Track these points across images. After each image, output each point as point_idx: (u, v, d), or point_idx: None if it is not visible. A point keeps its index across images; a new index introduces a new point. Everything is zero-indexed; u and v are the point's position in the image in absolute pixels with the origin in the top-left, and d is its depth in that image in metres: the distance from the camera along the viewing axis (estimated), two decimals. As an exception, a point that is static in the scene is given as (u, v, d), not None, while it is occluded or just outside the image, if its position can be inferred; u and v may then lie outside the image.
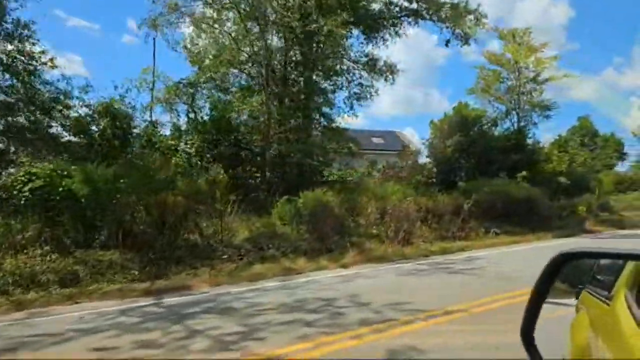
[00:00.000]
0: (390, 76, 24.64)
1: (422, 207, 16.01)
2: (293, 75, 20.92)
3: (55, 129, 15.89)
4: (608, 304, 1.80)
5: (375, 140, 40.93)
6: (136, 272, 9.91)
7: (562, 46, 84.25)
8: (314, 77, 23.77)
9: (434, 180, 25.32)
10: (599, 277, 2.18)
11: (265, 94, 18.19)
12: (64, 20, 54.55)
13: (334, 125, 23.75)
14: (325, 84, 24.11)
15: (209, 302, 7.51)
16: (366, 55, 23.58)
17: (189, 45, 20.10)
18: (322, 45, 21.13)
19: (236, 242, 12.41)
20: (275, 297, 7.68)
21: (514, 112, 29.63)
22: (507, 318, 5.82)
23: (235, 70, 19.95)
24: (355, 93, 24.58)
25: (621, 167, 40.27)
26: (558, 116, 38.52)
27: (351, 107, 24.78)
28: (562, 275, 1.96)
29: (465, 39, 20.61)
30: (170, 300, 7.79)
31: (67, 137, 15.99)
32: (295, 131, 20.80)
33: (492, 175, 26.52)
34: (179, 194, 11.55)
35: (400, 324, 5.80)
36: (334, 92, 24.21)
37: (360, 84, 24.53)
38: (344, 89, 24.25)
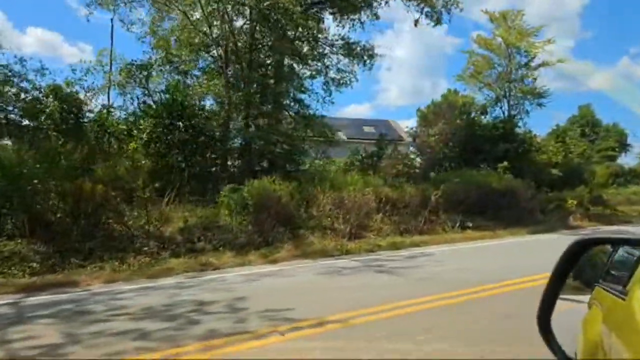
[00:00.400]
0: (368, 61, 23.56)
1: (382, 199, 14.91)
2: (260, 59, 19.85)
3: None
4: (623, 299, 1.69)
5: (366, 129, 39.71)
6: (36, 265, 9.06)
7: (576, 35, 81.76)
8: (287, 61, 22.77)
9: (417, 170, 24.23)
10: (612, 272, 2.08)
11: (225, 77, 17.15)
12: (75, 10, 54.49)
13: (309, 112, 22.78)
14: (302, 70, 23.09)
15: (73, 302, 6.59)
16: (342, 39, 22.44)
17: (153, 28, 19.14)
18: (287, 27, 20.02)
19: (167, 233, 11.50)
20: (152, 299, 6.72)
21: (504, 100, 28.25)
22: (369, 335, 4.92)
23: (202, 53, 18.90)
24: (333, 79, 23.65)
25: (624, 159, 38.59)
26: (570, 106, 36.92)
27: (330, 94, 23.91)
28: (575, 271, 1.92)
29: (437, 19, 19.26)
30: (35, 298, 6.89)
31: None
32: (264, 117, 19.81)
33: (478, 165, 25.46)
34: (97, 181, 10.63)
35: (249, 339, 4.80)
36: (312, 77, 23.21)
37: (339, 69, 23.59)
38: (322, 75, 23.29)
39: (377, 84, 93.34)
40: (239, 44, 19.11)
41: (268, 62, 20.64)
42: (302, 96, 22.69)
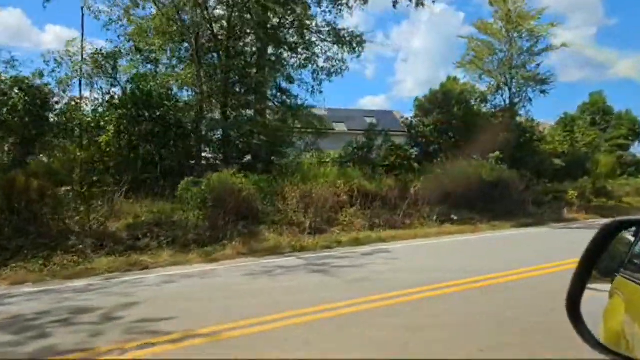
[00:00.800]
0: (358, 48, 22.53)
1: (354, 191, 13.97)
2: (239, 47, 19.01)
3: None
4: None
5: (368, 120, 38.61)
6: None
7: (599, 22, 78.70)
8: (273, 50, 21.88)
9: (411, 162, 23.12)
10: (635, 261, 1.94)
11: (196, 65, 16.35)
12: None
13: (296, 102, 21.90)
14: (291, 59, 22.21)
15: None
16: (328, 24, 21.44)
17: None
18: (268, 13, 19.11)
19: (113, 230, 10.81)
20: (35, 305, 5.95)
21: (505, 87, 26.82)
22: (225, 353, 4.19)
23: (175, 42, 18.12)
24: (323, 68, 22.68)
25: (637, 148, 36.61)
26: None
27: (320, 83, 22.98)
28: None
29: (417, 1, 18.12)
30: None
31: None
32: (243, 108, 19.00)
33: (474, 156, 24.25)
34: (33, 174, 9.98)
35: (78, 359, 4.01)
36: (302, 67, 22.31)
37: (329, 58, 22.63)
38: (311, 64, 22.37)
39: (393, 75, 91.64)
40: (216, 32, 18.34)
41: (249, 50, 19.81)
42: (290, 86, 21.94)
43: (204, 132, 16.79)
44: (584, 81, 76.24)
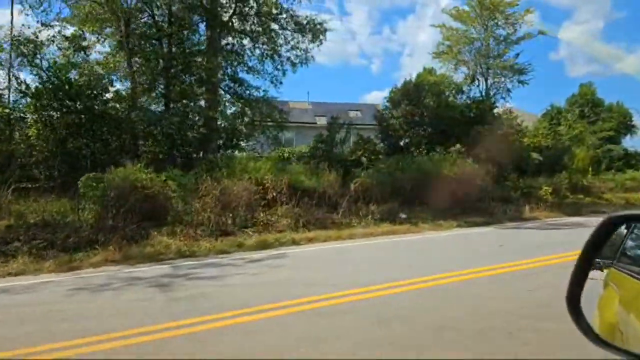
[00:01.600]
0: (321, 36, 21.08)
1: (283, 188, 12.53)
2: (185, 34, 17.57)
3: None
4: None
5: (352, 114, 37.09)
6: None
7: (606, 16, 76.01)
8: (230, 40, 20.51)
9: (380, 157, 21.61)
10: (628, 253, 1.97)
11: (126, 53, 14.98)
12: None
13: (251, 93, 20.53)
14: (256, 49, 20.84)
15: None
16: (286, 11, 19.98)
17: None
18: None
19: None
20: None
21: (482, 78, 25.14)
22: None
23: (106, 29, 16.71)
24: (287, 58, 21.28)
25: (629, 142, 34.66)
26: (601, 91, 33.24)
27: (284, 74, 21.60)
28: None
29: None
30: None
31: None
32: (185, 98, 17.61)
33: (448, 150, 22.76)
34: None
35: None
36: (270, 57, 20.91)
37: (293, 47, 21.23)
38: (269, 53, 20.98)
39: (398, 70, 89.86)
40: (158, 18, 16.96)
41: (196, 38, 18.41)
42: (251, 77, 20.61)
43: (141, 125, 15.42)
44: (590, 76, 73.95)
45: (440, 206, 15.94)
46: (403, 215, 14.50)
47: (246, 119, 20.70)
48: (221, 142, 20.45)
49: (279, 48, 20.85)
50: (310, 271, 7.43)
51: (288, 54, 21.24)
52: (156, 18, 16.68)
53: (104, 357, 3.88)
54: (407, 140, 23.16)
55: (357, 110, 38.36)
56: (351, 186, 13.73)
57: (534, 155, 23.62)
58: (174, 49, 16.88)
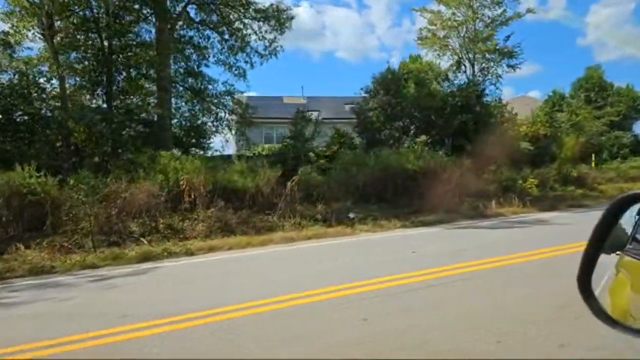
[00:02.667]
0: (287, 24, 19.63)
1: (201, 190, 11.10)
2: (127, 26, 16.31)
3: None
4: None
5: (347, 107, 35.51)
6: None
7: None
8: (188, 32, 19.25)
9: (357, 151, 20.00)
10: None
11: (49, 47, 13.80)
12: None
13: (209, 86, 19.24)
14: (224, 41, 19.55)
15: None
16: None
17: None
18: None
19: None
20: None
21: (468, 64, 23.10)
22: None
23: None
24: (255, 50, 19.91)
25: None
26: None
27: (252, 66, 20.26)
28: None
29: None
30: None
31: None
32: (135, 94, 16.40)
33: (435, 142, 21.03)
34: None
35: None
36: (238, 50, 19.58)
37: (260, 38, 19.87)
38: (236, 45, 19.68)
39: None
40: (95, 11, 15.75)
41: (143, 29, 17.14)
42: (211, 71, 19.29)
43: (71, 124, 14.27)
44: (621, 60, 70.07)
45: (400, 204, 14.31)
46: (352, 215, 12.90)
47: (205, 118, 19.46)
48: (186, 140, 19.31)
49: (248, 38, 19.53)
50: (135, 294, 6.00)
51: (256, 44, 19.94)
52: (94, 10, 15.45)
53: None
54: (387, 132, 21.41)
55: (353, 105, 36.81)
56: (288, 185, 12.20)
57: (524, 144, 21.54)
58: (115, 42, 15.68)
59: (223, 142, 20.02)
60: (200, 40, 19.38)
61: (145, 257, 8.24)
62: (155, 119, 16.79)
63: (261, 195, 12.08)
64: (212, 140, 20.19)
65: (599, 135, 26.59)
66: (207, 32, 19.37)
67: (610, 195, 18.07)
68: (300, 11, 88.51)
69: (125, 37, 15.83)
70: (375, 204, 14.04)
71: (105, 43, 15.31)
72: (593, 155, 25.05)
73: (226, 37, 19.46)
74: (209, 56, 19.55)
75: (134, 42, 16.12)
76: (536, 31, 73.06)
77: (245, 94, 38.41)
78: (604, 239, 1.62)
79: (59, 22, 14.57)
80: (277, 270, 7.11)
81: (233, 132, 20.56)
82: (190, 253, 8.71)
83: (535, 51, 69.80)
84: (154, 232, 9.75)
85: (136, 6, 16.12)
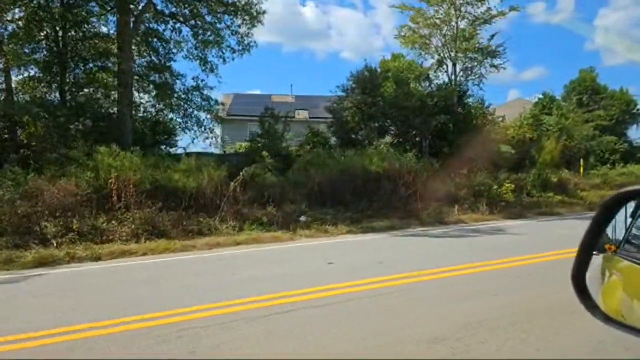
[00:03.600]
0: (252, 20, 18.86)
1: (130, 189, 10.36)
2: (83, 16, 15.58)
3: None
4: None
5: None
6: None
7: None
8: (152, 23, 18.52)
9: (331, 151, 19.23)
10: (633, 240, 1.86)
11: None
12: None
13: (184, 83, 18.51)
14: (199, 36, 18.81)
15: None
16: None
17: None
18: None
19: None
20: None
21: (449, 63, 22.19)
22: None
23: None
24: (227, 45, 19.16)
25: (635, 133, 30.73)
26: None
27: (224, 61, 19.51)
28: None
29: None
30: None
31: None
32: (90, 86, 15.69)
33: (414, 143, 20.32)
34: None
35: None
36: (212, 44, 18.85)
37: (234, 32, 19.13)
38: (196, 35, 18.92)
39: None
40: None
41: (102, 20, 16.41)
42: (181, 66, 18.58)
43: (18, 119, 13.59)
44: (629, 65, 68.75)
45: (358, 207, 13.50)
46: (302, 219, 12.14)
47: (174, 114, 18.72)
48: (150, 136, 18.59)
49: (221, 32, 18.81)
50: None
51: (228, 39, 19.20)
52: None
53: None
54: (362, 133, 20.60)
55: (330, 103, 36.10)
56: (231, 186, 11.43)
57: (504, 148, 20.65)
58: (71, 34, 15.01)
59: (191, 139, 19.19)
60: (172, 34, 18.64)
61: (42, 262, 7.50)
62: (116, 113, 16.11)
63: (202, 196, 11.32)
64: (180, 137, 19.44)
65: (589, 139, 25.60)
66: (179, 25, 18.69)
67: (591, 202, 17.17)
68: (306, 11, 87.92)
69: (81, 29, 15.12)
70: (332, 206, 13.26)
71: (60, 34, 14.65)
72: (581, 160, 24.09)
73: (200, 31, 18.76)
74: (181, 50, 18.87)
75: (91, 34, 15.39)
76: (543, 34, 71.96)
77: (232, 92, 37.86)
78: (597, 239, 1.60)
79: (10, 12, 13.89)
80: (153, 284, 6.29)
81: (202, 129, 19.79)
82: (96, 258, 7.96)
83: (542, 54, 68.72)
84: (70, 233, 9.00)
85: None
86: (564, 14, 77.27)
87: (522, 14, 75.65)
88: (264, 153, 14.94)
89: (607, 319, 1.52)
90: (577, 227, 7.31)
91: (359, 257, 7.77)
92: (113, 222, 9.83)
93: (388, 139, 16.50)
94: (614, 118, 28.59)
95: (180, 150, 18.97)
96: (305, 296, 5.25)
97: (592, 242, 1.61)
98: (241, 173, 11.61)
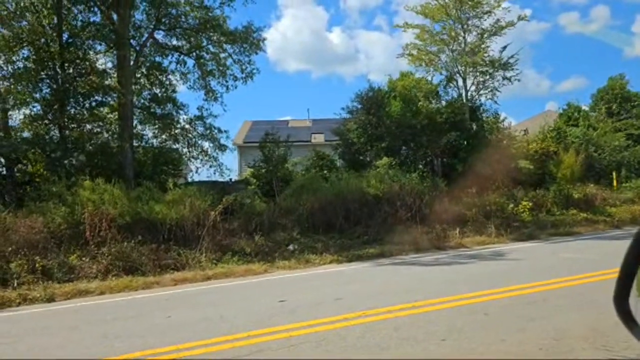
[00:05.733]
0: (252, 47, 18.71)
1: (103, 224, 9.96)
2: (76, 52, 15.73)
3: None
4: None
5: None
6: None
7: None
8: (154, 57, 18.68)
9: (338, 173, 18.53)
10: None
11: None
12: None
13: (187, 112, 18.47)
14: (199, 67, 18.88)
15: None
16: (211, 21, 17.71)
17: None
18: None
19: None
20: None
21: (459, 78, 21.20)
22: None
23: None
24: (229, 74, 19.06)
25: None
26: None
27: (227, 89, 19.41)
28: None
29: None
30: None
31: None
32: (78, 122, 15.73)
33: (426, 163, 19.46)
34: None
35: None
36: (209, 74, 18.87)
37: (235, 61, 19.09)
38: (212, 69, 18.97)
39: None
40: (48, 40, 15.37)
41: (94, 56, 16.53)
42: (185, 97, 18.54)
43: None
44: None
45: (354, 233, 12.64)
46: (291, 248, 11.41)
47: (179, 145, 18.60)
48: (153, 168, 18.47)
49: (224, 60, 18.81)
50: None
51: (231, 68, 19.12)
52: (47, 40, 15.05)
53: None
54: (371, 154, 19.79)
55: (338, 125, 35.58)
56: (211, 215, 10.88)
57: (523, 163, 19.26)
58: (70, 71, 15.22)
59: (195, 169, 19.00)
60: (177, 66, 18.73)
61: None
62: (116, 147, 16.10)
63: (182, 228, 10.81)
64: (183, 167, 19.25)
65: (621, 150, 23.62)
66: (183, 57, 18.77)
67: (620, 220, 15.57)
68: (333, 37, 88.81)
69: (79, 66, 15.31)
70: (325, 233, 12.47)
71: (60, 71, 14.88)
72: (614, 173, 22.21)
73: (204, 62, 18.78)
74: (187, 81, 18.96)
75: (90, 70, 15.54)
76: (578, 44, 69.33)
77: (251, 119, 37.78)
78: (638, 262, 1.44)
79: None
80: (72, 331, 5.66)
81: (207, 157, 19.52)
82: (50, 299, 7.50)
83: (579, 64, 66.05)
84: (34, 272, 8.64)
85: (89, 34, 15.56)
86: (599, 22, 74.18)
87: (554, 25, 73.51)
88: (252, 180, 14.36)
89: None
90: (587, 250, 6.27)
91: (319, 292, 6.95)
92: (84, 258, 9.43)
93: (385, 160, 15.47)
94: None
95: (182, 180, 18.83)
96: (219, 346, 4.52)
97: (636, 262, 1.44)
98: (223, 200, 11.04)
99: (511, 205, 15.43)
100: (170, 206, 11.24)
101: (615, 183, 21.60)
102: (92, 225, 9.86)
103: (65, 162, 13.57)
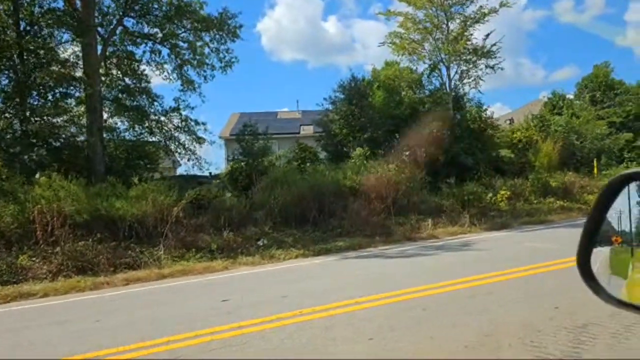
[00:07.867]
0: (229, 35, 17.93)
1: (54, 221, 9.32)
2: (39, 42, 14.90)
3: None
4: None
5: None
6: None
7: None
8: (125, 45, 17.86)
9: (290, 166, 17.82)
10: None
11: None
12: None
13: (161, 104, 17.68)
14: (171, 54, 18.07)
15: None
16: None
17: None
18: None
19: None
20: None
21: (442, 67, 20.58)
22: None
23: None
24: (201, 62, 18.30)
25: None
26: None
27: (205, 79, 18.65)
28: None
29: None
30: None
31: None
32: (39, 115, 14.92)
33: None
34: None
35: None
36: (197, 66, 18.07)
37: (213, 50, 18.30)
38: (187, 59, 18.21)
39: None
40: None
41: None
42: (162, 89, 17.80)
43: None
44: None
45: (329, 226, 12.10)
46: (260, 243, 10.85)
47: (155, 137, 17.85)
48: (126, 162, 17.71)
49: (201, 49, 18.03)
50: None
51: (209, 57, 18.35)
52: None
53: None
54: (353, 146, 19.22)
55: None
56: (174, 211, 10.27)
57: (504, 152, 18.83)
58: (31, 61, 14.39)
59: (170, 163, 18.28)
60: (152, 56, 17.92)
61: None
62: (84, 140, 15.36)
63: (144, 225, 10.19)
64: (160, 161, 18.53)
65: (602, 138, 23.26)
66: (157, 46, 17.98)
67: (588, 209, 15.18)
68: (329, 26, 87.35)
69: (39, 55, 14.46)
70: (299, 227, 11.92)
71: (18, 62, 14.05)
72: (595, 160, 21.89)
73: (181, 51, 17.99)
74: (163, 72, 18.19)
75: (52, 60, 14.69)
76: (572, 33, 68.81)
77: (238, 112, 36.87)
78: (603, 217, 1.45)
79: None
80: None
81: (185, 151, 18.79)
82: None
83: (572, 53, 65.49)
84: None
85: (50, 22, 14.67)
86: (593, 10, 73.46)
87: (548, 14, 72.98)
88: (220, 174, 13.73)
89: (621, 304, 1.39)
90: (555, 239, 5.81)
91: (268, 291, 6.47)
92: (35, 259, 8.79)
93: (359, 150, 14.88)
94: (630, 114, 26.14)
95: (158, 175, 18.11)
96: (129, 354, 3.97)
97: (598, 223, 1.42)
98: (186, 195, 10.43)
99: (489, 195, 14.98)
100: (133, 202, 10.60)
101: (595, 171, 21.30)
102: (43, 224, 9.20)
103: (25, 157, 12.81)
